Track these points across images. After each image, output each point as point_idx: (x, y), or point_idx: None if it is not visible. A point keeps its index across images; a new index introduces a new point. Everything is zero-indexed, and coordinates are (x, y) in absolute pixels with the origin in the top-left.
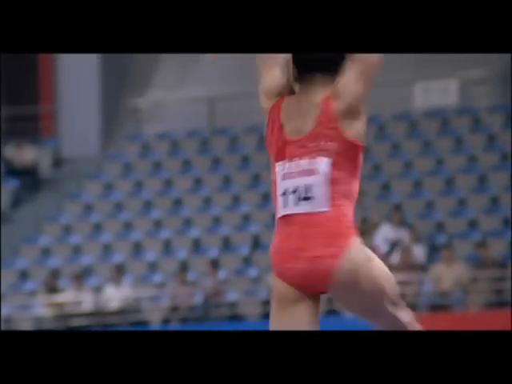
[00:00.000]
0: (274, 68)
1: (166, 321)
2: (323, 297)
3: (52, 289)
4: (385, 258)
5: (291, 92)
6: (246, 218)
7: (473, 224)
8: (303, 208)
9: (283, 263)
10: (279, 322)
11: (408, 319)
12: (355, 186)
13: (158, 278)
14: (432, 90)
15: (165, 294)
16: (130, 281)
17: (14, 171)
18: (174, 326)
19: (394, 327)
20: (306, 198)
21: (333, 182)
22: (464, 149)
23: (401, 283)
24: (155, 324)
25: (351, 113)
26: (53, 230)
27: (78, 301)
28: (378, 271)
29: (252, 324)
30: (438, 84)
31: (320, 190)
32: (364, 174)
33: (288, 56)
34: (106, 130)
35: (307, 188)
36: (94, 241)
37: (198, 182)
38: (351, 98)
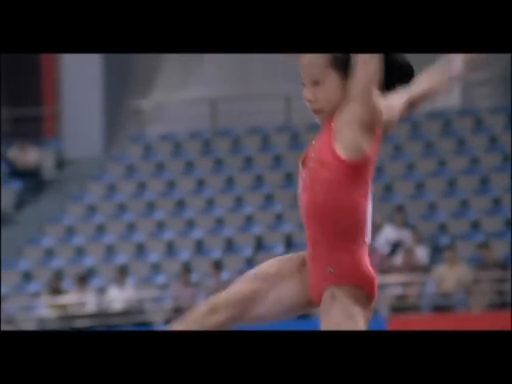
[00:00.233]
0: None
1: (169, 322)
2: None
3: (55, 290)
4: (387, 259)
5: None
6: (249, 219)
7: (475, 225)
8: None
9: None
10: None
11: None
12: None
13: (161, 279)
14: None
15: (168, 295)
16: (133, 282)
17: (17, 173)
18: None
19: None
20: None
21: None
22: (466, 150)
23: (403, 284)
24: (158, 325)
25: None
26: (56, 231)
27: (82, 302)
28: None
29: (255, 324)
30: None
31: None
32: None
33: None
34: (109, 132)
35: None
36: (98, 242)
37: (200, 183)
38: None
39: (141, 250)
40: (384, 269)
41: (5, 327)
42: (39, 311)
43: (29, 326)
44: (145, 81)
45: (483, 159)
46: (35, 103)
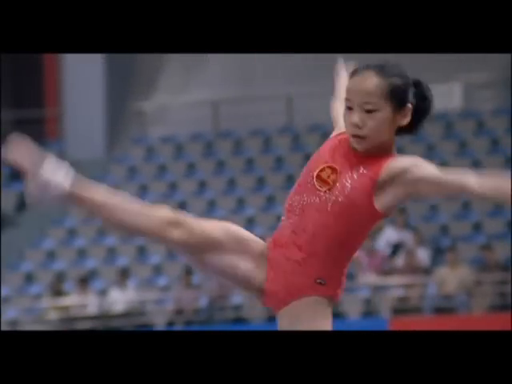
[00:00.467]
0: None
1: (170, 324)
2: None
3: (57, 292)
4: (388, 260)
5: None
6: (251, 221)
7: (477, 227)
8: None
9: None
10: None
11: None
12: None
13: (162, 281)
14: (435, 94)
15: (169, 297)
16: (134, 284)
17: (19, 175)
18: (179, 329)
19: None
20: None
21: None
22: (468, 152)
23: (405, 286)
24: (160, 327)
25: None
26: (58, 234)
27: (83, 304)
28: None
29: (256, 326)
30: (441, 88)
31: None
32: None
33: None
34: (111, 133)
35: None
36: (99, 244)
37: (202, 185)
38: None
39: (142, 252)
40: (385, 270)
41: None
42: (41, 313)
43: (31, 327)
44: (147, 83)
45: (485, 161)
46: (37, 105)
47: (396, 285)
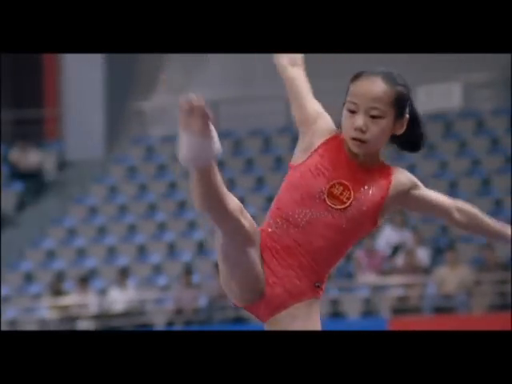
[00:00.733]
0: None
1: (170, 323)
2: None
3: (57, 291)
4: (388, 260)
5: None
6: None
7: None
8: None
9: None
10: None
11: None
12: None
13: (162, 280)
14: (435, 94)
15: (169, 296)
16: (134, 283)
17: (19, 174)
18: (179, 329)
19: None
20: None
21: None
22: (467, 152)
23: (404, 286)
24: (160, 326)
25: None
26: (57, 233)
27: (83, 303)
28: None
29: (256, 326)
30: (441, 87)
31: None
32: None
33: None
34: (111, 133)
35: None
36: (99, 244)
37: None
38: None
39: (142, 251)
40: (385, 270)
41: (7, 329)
42: (41, 313)
43: (30, 327)
44: (146, 83)
45: (485, 161)
46: (37, 105)
47: (396, 284)
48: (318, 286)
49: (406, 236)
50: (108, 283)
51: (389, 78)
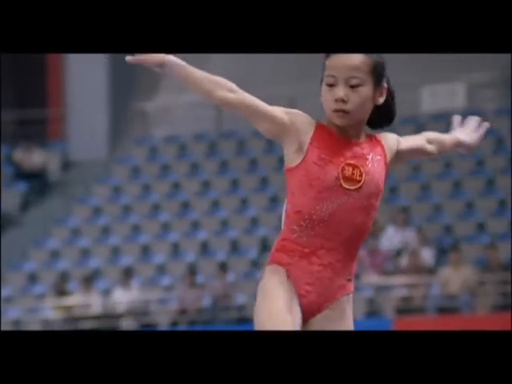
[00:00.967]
0: None
1: (174, 323)
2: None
3: (61, 292)
4: (392, 260)
5: None
6: (254, 221)
7: (480, 227)
8: None
9: None
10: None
11: None
12: (291, 206)
13: (166, 280)
14: (439, 94)
15: (173, 296)
16: (138, 284)
17: (23, 175)
18: (183, 329)
19: None
20: None
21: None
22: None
23: (409, 286)
24: (163, 327)
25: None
26: (61, 233)
27: (87, 304)
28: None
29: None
30: (445, 87)
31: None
32: None
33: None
34: (114, 134)
35: None
36: (103, 244)
37: (205, 185)
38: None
39: (146, 251)
40: (389, 270)
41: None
42: (44, 313)
43: (34, 327)
44: (150, 83)
45: (489, 161)
46: (40, 105)
47: (400, 285)
48: (350, 280)
49: (409, 236)
50: (112, 283)
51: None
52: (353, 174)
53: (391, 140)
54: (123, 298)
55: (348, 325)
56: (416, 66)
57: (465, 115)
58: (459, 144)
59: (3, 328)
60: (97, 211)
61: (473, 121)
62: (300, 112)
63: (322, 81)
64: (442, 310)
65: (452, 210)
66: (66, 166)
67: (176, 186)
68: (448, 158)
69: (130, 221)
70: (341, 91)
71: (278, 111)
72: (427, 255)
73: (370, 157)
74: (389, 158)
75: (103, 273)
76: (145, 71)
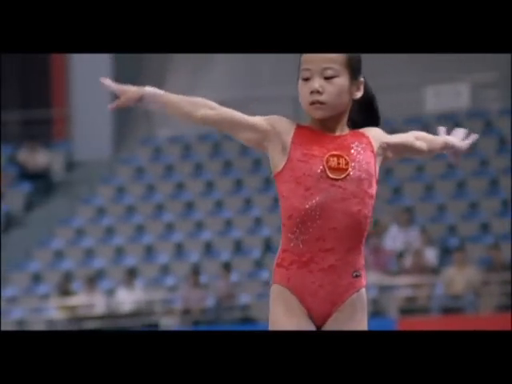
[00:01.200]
0: None
1: (178, 323)
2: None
3: (65, 292)
4: (396, 260)
5: None
6: (258, 222)
7: (484, 227)
8: None
9: None
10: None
11: None
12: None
13: (170, 280)
14: (443, 94)
15: (177, 296)
16: (142, 284)
17: (27, 175)
18: (186, 329)
19: None
20: None
21: None
22: (475, 152)
23: (413, 286)
24: (167, 327)
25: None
26: (65, 234)
27: (91, 304)
28: None
29: (264, 327)
30: (449, 87)
31: None
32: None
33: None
34: (119, 134)
35: None
36: (107, 244)
37: (209, 186)
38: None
39: (150, 251)
40: (393, 271)
41: (15, 329)
42: (49, 313)
43: (38, 327)
44: (155, 83)
45: (493, 161)
46: (45, 105)
47: (403, 285)
48: (357, 275)
49: (412, 236)
50: (116, 283)
51: None
52: (338, 163)
53: (375, 131)
54: (127, 298)
55: (357, 325)
56: (420, 67)
57: (469, 115)
58: (448, 146)
59: (7, 328)
60: (101, 211)
61: (461, 132)
62: (279, 116)
63: (298, 79)
64: (446, 310)
65: (456, 210)
66: (70, 166)
67: (180, 187)
68: None
69: (133, 221)
70: (316, 83)
71: (258, 119)
72: (431, 255)
73: (355, 145)
74: (375, 145)
75: (107, 273)
76: (149, 71)
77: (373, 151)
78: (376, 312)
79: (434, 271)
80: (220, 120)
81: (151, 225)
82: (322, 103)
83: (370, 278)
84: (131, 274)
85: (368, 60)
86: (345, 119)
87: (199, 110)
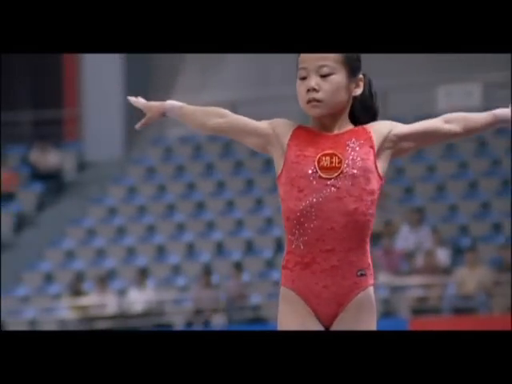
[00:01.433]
0: None
1: (189, 323)
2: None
3: (76, 292)
4: (407, 260)
5: None
6: (269, 221)
7: (496, 227)
8: None
9: None
10: None
11: None
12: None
13: (181, 281)
14: (455, 94)
15: (188, 296)
16: (153, 284)
17: (39, 175)
18: (198, 329)
19: None
20: None
21: None
22: (487, 152)
23: (424, 286)
24: (178, 327)
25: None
26: (77, 234)
27: (102, 304)
28: None
29: (275, 326)
30: (460, 87)
31: None
32: (387, 177)
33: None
34: (130, 134)
35: None
36: (118, 244)
37: (220, 186)
38: None
39: (161, 251)
40: (404, 271)
41: (27, 329)
42: (60, 313)
43: (50, 327)
44: (165, 83)
45: (504, 161)
46: (56, 106)
47: (415, 285)
48: (362, 274)
49: (424, 236)
50: (127, 283)
51: None
52: (331, 162)
53: (381, 125)
54: (138, 298)
55: (365, 325)
56: (432, 67)
57: None
58: (498, 120)
59: (19, 328)
60: (112, 211)
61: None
62: (282, 119)
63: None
64: (458, 311)
65: (467, 210)
66: (82, 166)
67: (191, 187)
68: (463, 157)
69: (145, 221)
70: (312, 81)
71: (261, 124)
72: (443, 255)
73: (351, 142)
74: (377, 140)
75: (118, 273)
76: (160, 71)
77: (372, 146)
78: (388, 312)
79: (446, 271)
80: (228, 128)
81: (162, 225)
82: (318, 101)
83: (381, 279)
84: (142, 274)
85: (380, 60)
86: (344, 116)
87: (211, 119)
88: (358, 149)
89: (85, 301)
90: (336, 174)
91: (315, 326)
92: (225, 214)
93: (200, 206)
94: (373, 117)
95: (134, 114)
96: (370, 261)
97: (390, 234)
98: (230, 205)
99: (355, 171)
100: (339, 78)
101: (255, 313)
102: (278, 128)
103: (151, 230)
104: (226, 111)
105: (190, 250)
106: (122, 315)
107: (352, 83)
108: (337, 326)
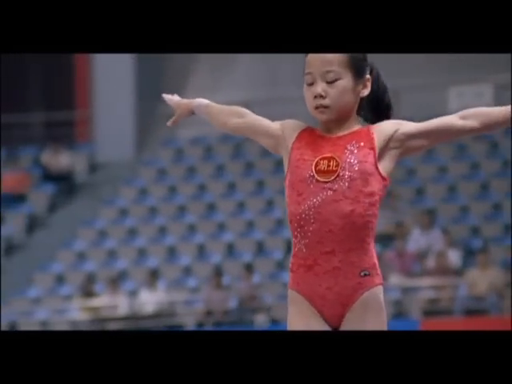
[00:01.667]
0: None
1: (200, 325)
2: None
3: (88, 293)
4: (419, 261)
5: None
6: (280, 223)
7: (508, 228)
8: None
9: None
10: None
11: None
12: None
13: (192, 282)
14: (466, 95)
15: (199, 298)
16: (164, 285)
17: (50, 176)
18: (209, 330)
19: None
20: None
21: None
22: (499, 153)
23: (436, 288)
24: (189, 328)
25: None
26: (88, 235)
27: (114, 305)
28: None
29: (285, 326)
30: (472, 88)
31: None
32: (398, 178)
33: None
34: (141, 135)
35: None
36: (129, 245)
37: (231, 187)
38: None
39: (172, 253)
40: (416, 272)
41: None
42: (72, 314)
43: (61, 328)
44: (177, 84)
45: None
46: (68, 107)
47: (427, 286)
48: (366, 274)
49: (435, 238)
50: (138, 285)
51: None
52: (329, 165)
53: (386, 125)
54: (150, 299)
55: (372, 324)
56: (443, 67)
57: None
58: None
59: (31, 328)
60: (123, 213)
61: None
62: (293, 120)
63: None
64: (470, 312)
65: (479, 211)
66: (93, 167)
67: (202, 188)
68: (475, 158)
69: (156, 222)
70: (318, 87)
71: (273, 124)
72: (454, 257)
73: (351, 144)
74: (378, 141)
75: (130, 274)
76: (172, 72)
77: (372, 148)
78: (399, 313)
79: (457, 273)
80: (245, 128)
81: (173, 226)
82: (325, 107)
83: (393, 280)
84: (154, 275)
85: (391, 61)
86: (351, 118)
87: (231, 119)
88: (356, 151)
89: (96, 302)
90: (332, 178)
91: (320, 326)
92: (236, 215)
93: (211, 207)
94: (385, 111)
95: (145, 115)
96: (375, 260)
97: (402, 236)
98: (241, 206)
99: (352, 174)
100: (345, 82)
101: (266, 314)
102: (286, 130)
103: (162, 231)
104: (246, 111)
105: (201, 251)
106: (134, 316)
107: (359, 85)
108: (344, 327)
